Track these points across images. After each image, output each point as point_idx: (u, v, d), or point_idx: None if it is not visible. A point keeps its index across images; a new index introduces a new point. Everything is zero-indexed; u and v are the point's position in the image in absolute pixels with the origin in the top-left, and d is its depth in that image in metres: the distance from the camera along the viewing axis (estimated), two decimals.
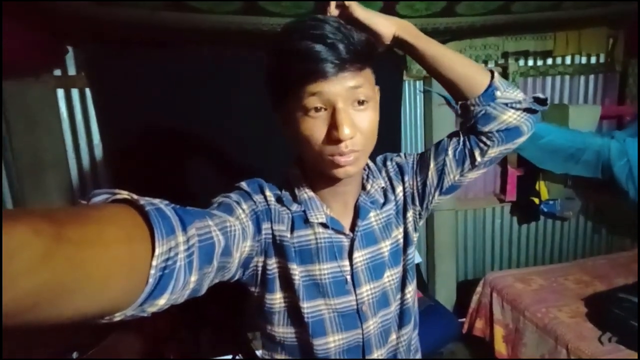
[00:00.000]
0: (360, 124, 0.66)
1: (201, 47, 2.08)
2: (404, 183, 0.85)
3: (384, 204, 0.83)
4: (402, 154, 0.89)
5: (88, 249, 0.35)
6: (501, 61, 2.67)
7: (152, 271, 0.42)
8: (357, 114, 0.66)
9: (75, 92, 2.09)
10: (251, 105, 2.04)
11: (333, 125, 0.64)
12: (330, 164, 0.68)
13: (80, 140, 2.14)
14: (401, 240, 0.84)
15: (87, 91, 2.08)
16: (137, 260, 0.41)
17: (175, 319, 2.00)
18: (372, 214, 0.80)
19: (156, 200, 0.48)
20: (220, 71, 2.07)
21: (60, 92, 2.07)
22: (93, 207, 0.43)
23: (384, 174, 0.86)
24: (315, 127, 0.65)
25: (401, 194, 0.85)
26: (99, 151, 2.16)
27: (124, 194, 0.46)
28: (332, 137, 0.64)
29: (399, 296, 0.84)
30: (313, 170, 0.75)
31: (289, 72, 0.64)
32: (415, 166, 0.86)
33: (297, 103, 0.65)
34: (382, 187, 0.84)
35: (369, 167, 0.85)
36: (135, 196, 0.46)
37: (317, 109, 0.64)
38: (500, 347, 2.37)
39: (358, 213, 0.79)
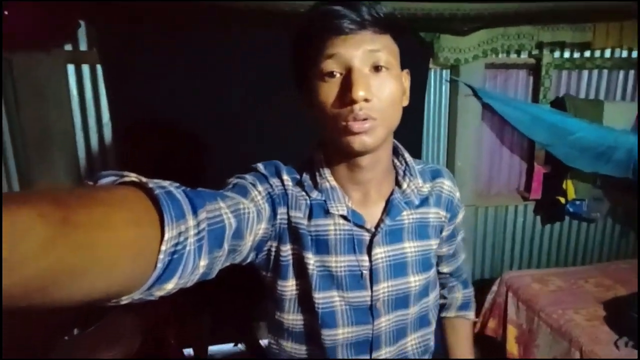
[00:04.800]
0: (377, 90, 0.68)
1: (219, 27, 2.15)
2: (446, 216, 0.91)
3: (419, 205, 0.85)
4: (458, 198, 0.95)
5: (95, 232, 0.37)
6: (535, 52, 2.71)
7: (161, 256, 0.44)
8: (374, 78, 0.68)
9: (86, 68, 2.20)
10: (267, 88, 2.14)
11: (347, 86, 0.66)
12: (343, 131, 0.69)
13: (90, 118, 2.26)
14: (434, 252, 0.89)
15: (99, 68, 2.15)
16: (145, 245, 0.43)
17: (177, 302, 2.08)
18: (404, 213, 0.83)
19: (166, 183, 0.50)
20: (237, 52, 2.15)
21: (71, 68, 2.17)
22: (101, 190, 0.44)
23: (430, 184, 0.89)
24: (330, 91, 0.69)
25: (444, 218, 0.90)
26: (108, 130, 2.28)
27: (132, 177, 0.47)
28: (346, 98, 0.66)
29: (421, 301, 0.88)
30: (333, 151, 0.78)
31: (309, 35, 0.70)
32: (451, 223, 0.94)
33: (315, 69, 0.70)
34: (421, 191, 0.86)
35: (406, 163, 0.86)
36: (144, 179, 0.47)
37: (333, 74, 0.68)
38: (512, 348, 2.48)
39: (389, 210, 0.81)
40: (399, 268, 0.82)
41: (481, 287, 2.84)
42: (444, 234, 0.93)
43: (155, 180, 0.49)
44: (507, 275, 2.66)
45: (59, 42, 2.10)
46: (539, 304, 2.35)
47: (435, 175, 0.90)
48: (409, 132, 2.42)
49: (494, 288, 2.69)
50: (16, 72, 2.02)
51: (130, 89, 2.06)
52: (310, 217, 0.78)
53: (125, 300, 0.44)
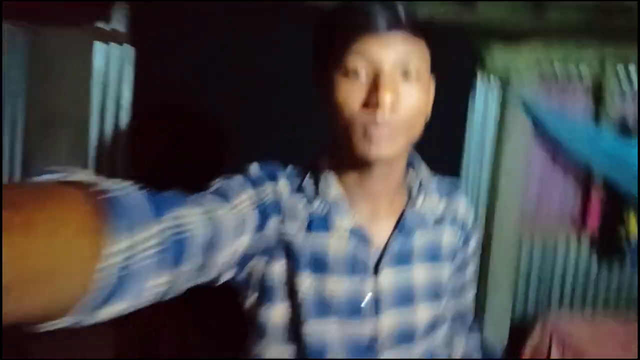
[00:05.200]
0: (404, 97, 0.66)
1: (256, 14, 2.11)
2: (461, 239, 0.88)
3: (433, 225, 0.82)
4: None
5: (34, 238, 0.33)
6: (597, 68, 2.58)
7: (110, 270, 0.40)
8: (403, 85, 0.66)
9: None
10: (305, 75, 2.08)
11: (374, 89, 0.64)
12: (361, 137, 0.66)
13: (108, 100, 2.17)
14: (446, 278, 0.83)
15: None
16: (91, 257, 0.39)
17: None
18: (417, 233, 0.79)
19: (125, 184, 0.46)
20: (279, 38, 2.11)
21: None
22: (44, 188, 0.40)
23: (446, 200, 0.86)
24: (352, 91, 0.66)
25: (459, 240, 0.86)
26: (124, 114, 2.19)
27: (81, 175, 0.43)
28: (370, 102, 0.64)
29: (428, 337, 0.81)
30: (343, 157, 0.74)
31: (337, 29, 0.67)
32: (464, 248, 0.89)
33: (338, 64, 0.67)
34: (436, 209, 0.83)
35: (422, 176, 0.83)
36: (95, 178, 0.44)
37: (357, 73, 0.65)
38: None
39: (400, 228, 0.77)
40: (406, 296, 0.77)
41: (521, 330, 2.64)
42: (456, 259, 0.88)
43: (113, 180, 0.45)
44: (552, 320, 2.44)
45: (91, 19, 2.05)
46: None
47: (451, 191, 0.88)
48: (448, 142, 2.34)
49: (536, 334, 2.46)
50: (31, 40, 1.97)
51: (158, 72, 2.04)
52: (308, 230, 0.73)
53: (59, 324, 0.38)
